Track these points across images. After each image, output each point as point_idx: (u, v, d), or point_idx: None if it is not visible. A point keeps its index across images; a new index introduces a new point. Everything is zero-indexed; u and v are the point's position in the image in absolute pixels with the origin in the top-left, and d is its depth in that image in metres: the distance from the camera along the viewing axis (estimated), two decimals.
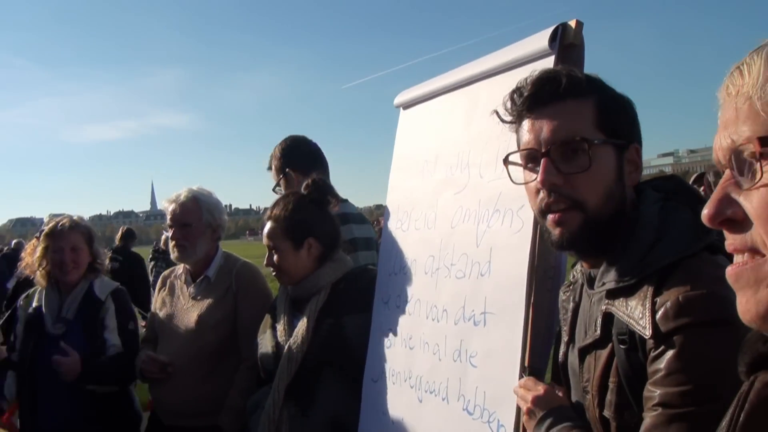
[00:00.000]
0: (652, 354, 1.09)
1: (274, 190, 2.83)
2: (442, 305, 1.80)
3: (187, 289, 2.80)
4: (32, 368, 2.83)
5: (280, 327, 2.23)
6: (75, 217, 2.96)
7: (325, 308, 2.15)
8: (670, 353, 1.06)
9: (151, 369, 2.62)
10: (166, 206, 2.78)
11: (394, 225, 2.17)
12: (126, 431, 2.89)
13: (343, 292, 2.19)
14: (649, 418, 1.08)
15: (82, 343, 2.77)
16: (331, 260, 2.24)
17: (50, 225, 2.90)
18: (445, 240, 1.85)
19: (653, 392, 1.08)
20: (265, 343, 2.26)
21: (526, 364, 1.45)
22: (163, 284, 2.92)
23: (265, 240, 2.25)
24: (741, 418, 0.67)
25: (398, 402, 1.93)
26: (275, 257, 2.21)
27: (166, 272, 2.99)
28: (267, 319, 2.36)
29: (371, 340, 2.10)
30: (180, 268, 2.92)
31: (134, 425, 2.92)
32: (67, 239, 2.83)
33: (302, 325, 2.13)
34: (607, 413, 1.19)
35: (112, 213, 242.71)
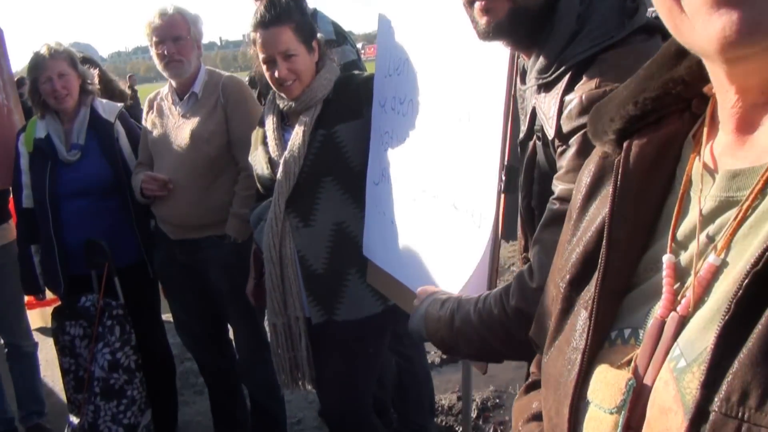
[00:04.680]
0: (558, 151, 1.13)
1: None
2: (432, 105, 1.77)
3: (176, 108, 2.78)
4: (52, 202, 2.78)
5: (271, 142, 2.22)
6: (53, 44, 2.80)
7: (317, 120, 2.12)
8: (569, 152, 1.09)
9: (152, 187, 2.68)
10: (152, 22, 2.64)
11: (386, 26, 2.04)
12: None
13: (333, 101, 2.15)
14: (548, 210, 1.15)
15: (103, 166, 2.80)
16: (325, 66, 2.16)
17: (30, 59, 2.78)
18: (432, 40, 1.77)
19: (555, 186, 1.13)
20: (258, 160, 2.27)
21: (506, 162, 1.46)
22: (150, 107, 2.89)
23: (274, 47, 2.03)
24: (618, 184, 0.63)
25: (396, 201, 1.96)
26: (295, 64, 2.04)
27: (151, 95, 2.93)
28: (257, 135, 2.34)
29: (371, 144, 2.11)
30: (165, 89, 2.87)
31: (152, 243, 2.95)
32: (52, 68, 2.74)
33: (297, 138, 2.11)
34: (533, 203, 1.27)
35: (130, 49, 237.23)
